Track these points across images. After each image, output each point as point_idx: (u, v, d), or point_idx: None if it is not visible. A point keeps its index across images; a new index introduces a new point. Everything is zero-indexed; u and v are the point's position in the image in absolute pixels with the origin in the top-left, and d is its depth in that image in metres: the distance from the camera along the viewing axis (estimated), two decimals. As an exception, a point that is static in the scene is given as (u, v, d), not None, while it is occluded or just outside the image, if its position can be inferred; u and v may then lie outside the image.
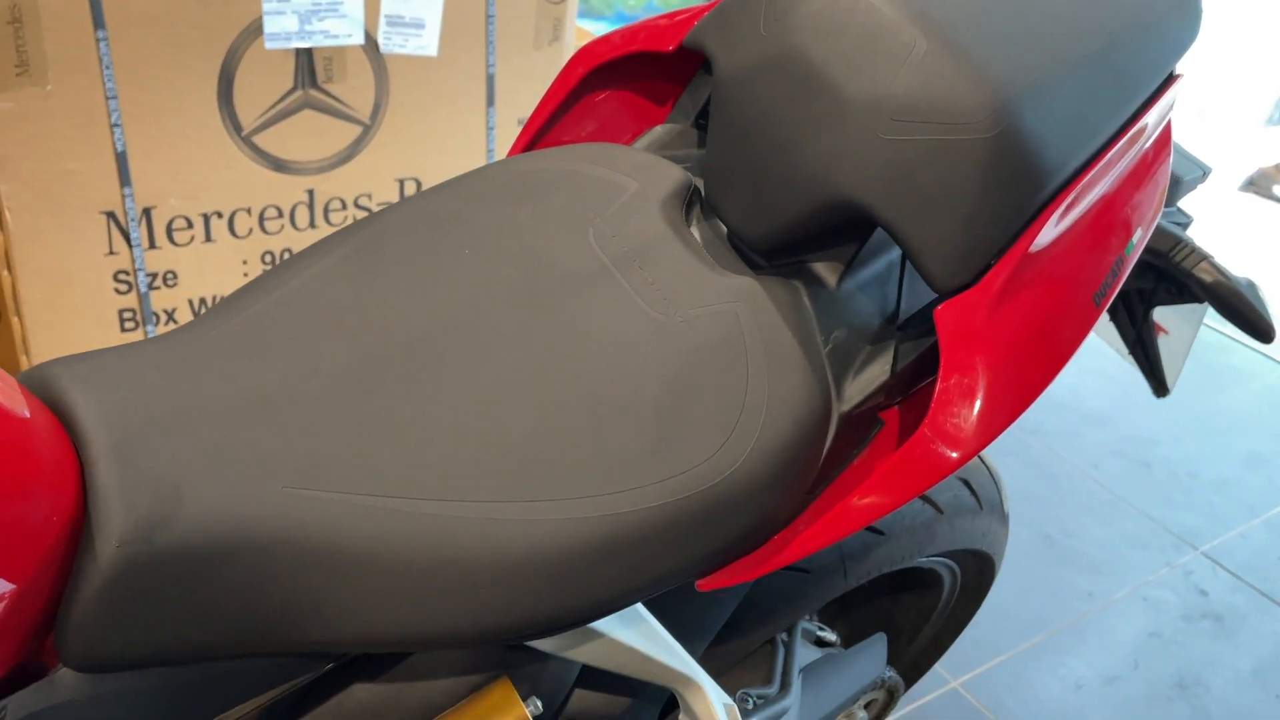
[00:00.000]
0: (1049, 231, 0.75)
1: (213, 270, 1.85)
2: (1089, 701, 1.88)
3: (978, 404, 0.71)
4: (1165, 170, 0.85)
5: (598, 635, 0.78)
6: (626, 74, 0.98)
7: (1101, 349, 2.77)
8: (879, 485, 0.72)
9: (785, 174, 0.78)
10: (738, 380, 0.73)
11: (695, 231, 0.85)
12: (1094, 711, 1.86)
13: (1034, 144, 0.72)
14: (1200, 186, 1.11)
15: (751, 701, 1.11)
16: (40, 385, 0.62)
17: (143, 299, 1.79)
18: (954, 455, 0.70)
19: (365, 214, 1.87)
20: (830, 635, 1.34)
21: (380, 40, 1.80)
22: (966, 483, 1.22)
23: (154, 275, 1.79)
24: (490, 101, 1.96)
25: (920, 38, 0.73)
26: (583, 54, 0.96)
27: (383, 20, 1.79)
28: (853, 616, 1.47)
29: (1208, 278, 0.99)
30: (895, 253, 0.87)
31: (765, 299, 0.78)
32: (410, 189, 1.96)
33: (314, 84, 1.78)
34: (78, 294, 1.74)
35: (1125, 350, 1.17)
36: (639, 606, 0.82)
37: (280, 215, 1.86)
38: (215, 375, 0.65)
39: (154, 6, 1.61)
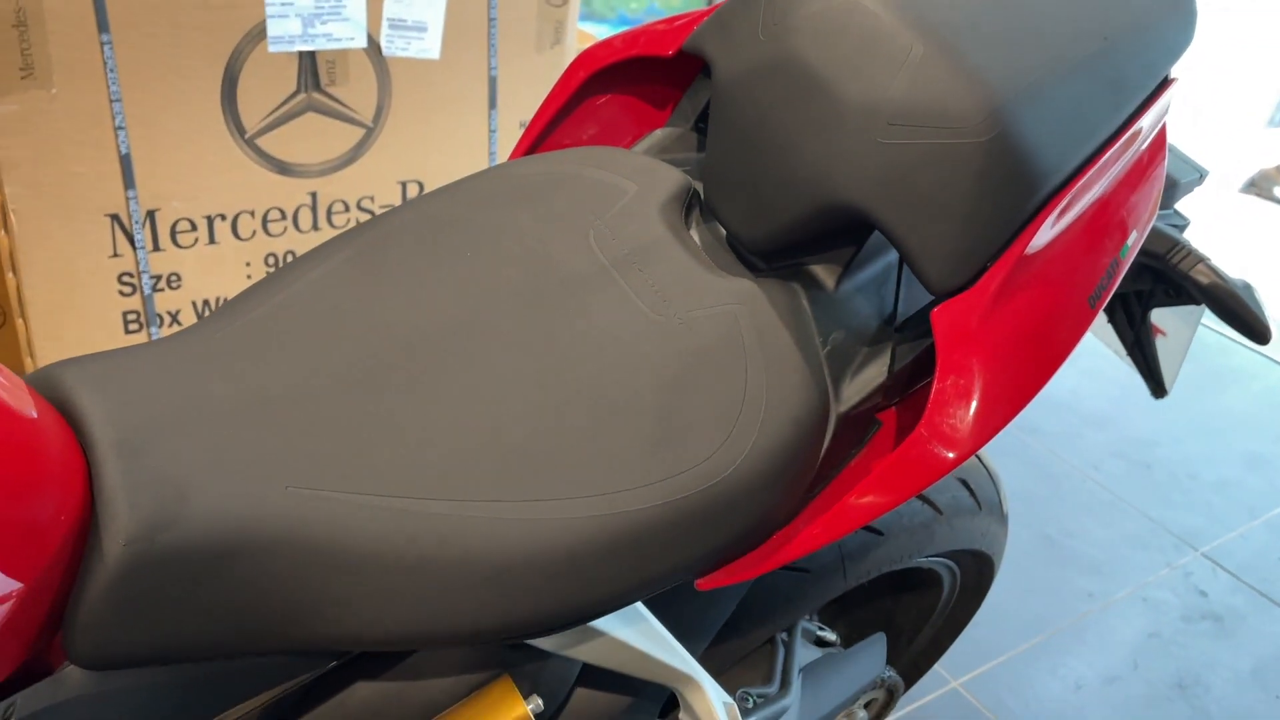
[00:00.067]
0: (1045, 234, 0.76)
1: (216, 272, 1.85)
2: (1089, 702, 1.89)
3: (974, 405, 0.71)
4: (1160, 173, 0.86)
5: (598, 634, 0.79)
6: (627, 78, 0.98)
7: (1101, 350, 2.78)
8: (877, 485, 0.73)
9: (783, 177, 0.79)
10: (736, 381, 0.74)
11: (694, 234, 0.86)
12: (1094, 712, 1.87)
13: (1029, 148, 0.73)
14: (1198, 189, 1.12)
15: (751, 700, 1.11)
16: (47, 386, 0.62)
17: (147, 301, 1.80)
18: (950, 455, 0.71)
19: (368, 216, 1.88)
20: (830, 635, 1.35)
21: (383, 43, 1.81)
22: (965, 483, 1.22)
23: (158, 277, 1.80)
24: (492, 104, 1.96)
25: (917, 42, 0.74)
26: (583, 58, 0.97)
27: (385, 23, 1.80)
28: (853, 616, 1.48)
29: (1205, 279, 0.99)
30: (893, 255, 0.88)
31: (764, 301, 0.79)
32: (412, 191, 1.97)
33: (317, 87, 1.79)
34: (82, 296, 1.75)
35: (1124, 352, 1.18)
36: (639, 605, 0.83)
37: (283, 217, 1.87)
38: (220, 376, 0.66)
39: (158, 10, 1.62)
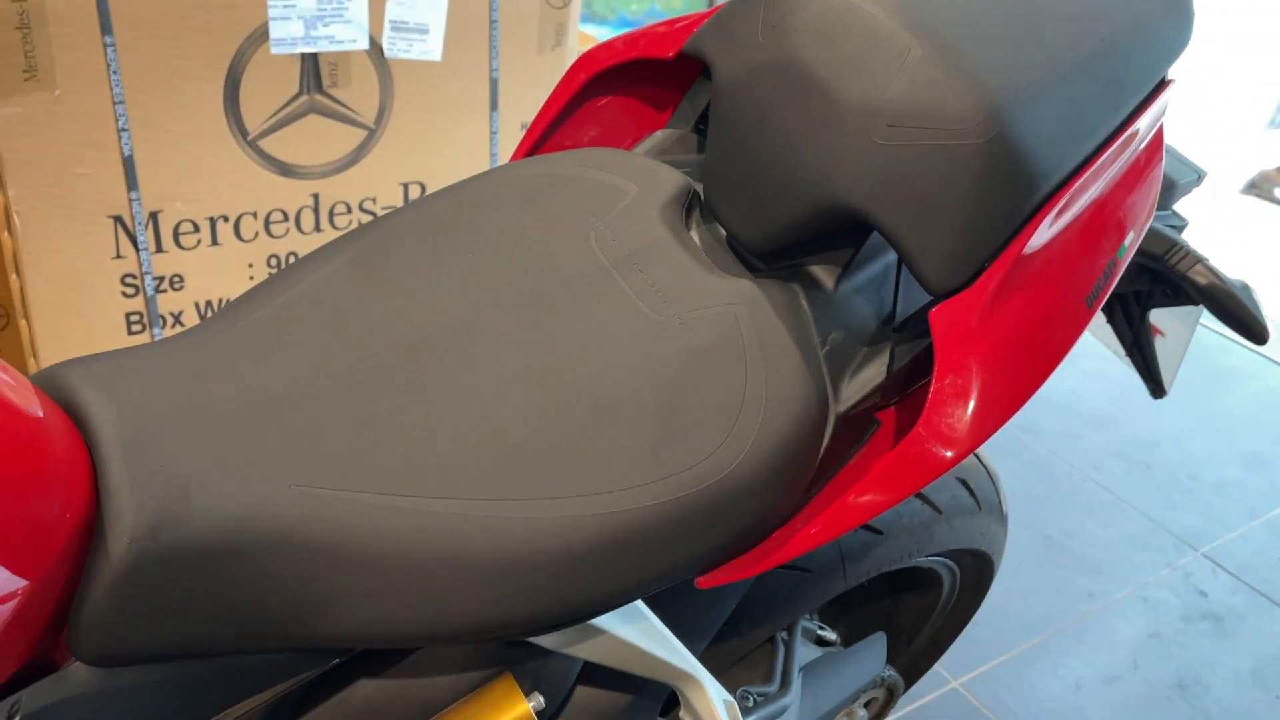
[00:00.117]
0: (1042, 235, 0.76)
1: (219, 274, 1.86)
2: (1089, 701, 1.89)
3: (971, 404, 0.72)
4: (1157, 174, 0.87)
5: (599, 632, 0.79)
6: (628, 80, 0.99)
7: (1101, 351, 2.78)
8: (875, 484, 0.74)
9: (783, 178, 0.79)
10: (736, 381, 0.74)
11: (695, 235, 0.86)
12: (1094, 711, 1.87)
13: (1027, 149, 0.73)
14: (1196, 190, 1.12)
15: (752, 699, 1.12)
16: (53, 386, 0.63)
17: (149, 302, 1.80)
18: (948, 454, 0.71)
19: (370, 218, 1.88)
20: (830, 634, 1.35)
21: (385, 45, 1.82)
22: (965, 483, 1.23)
23: (161, 279, 1.80)
24: (494, 106, 1.97)
25: (914, 44, 0.75)
26: (584, 60, 0.98)
27: (387, 25, 1.80)
28: (853, 616, 1.48)
29: (1203, 280, 1.00)
30: (892, 256, 0.88)
31: (763, 301, 0.79)
32: (414, 193, 1.97)
33: (319, 89, 1.80)
34: (85, 297, 1.75)
35: (1123, 352, 1.18)
36: (640, 604, 0.83)
37: (286, 219, 1.87)
38: (223, 376, 0.66)
39: (161, 13, 1.62)
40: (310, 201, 1.88)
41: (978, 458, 1.28)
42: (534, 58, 1.98)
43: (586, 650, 0.80)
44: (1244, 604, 2.14)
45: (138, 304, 1.80)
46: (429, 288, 0.76)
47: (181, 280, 1.83)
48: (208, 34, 1.67)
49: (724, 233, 0.87)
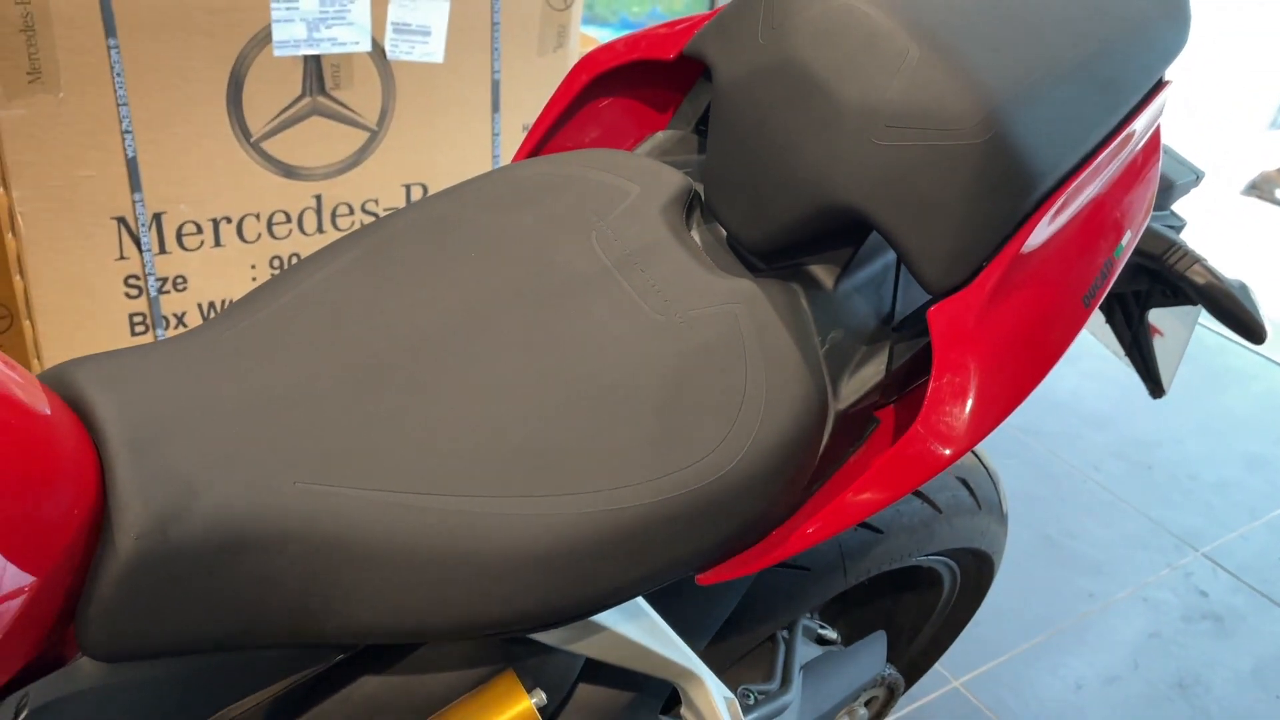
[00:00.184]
0: (1040, 234, 0.77)
1: (222, 275, 1.86)
2: (1089, 701, 1.89)
3: (969, 402, 0.72)
4: (1154, 174, 0.87)
5: (601, 629, 0.80)
6: (629, 81, 0.99)
7: (1101, 352, 2.79)
8: (874, 481, 0.74)
9: (782, 178, 0.80)
10: (736, 379, 0.75)
11: (695, 235, 0.87)
12: (1094, 711, 1.88)
13: (1024, 149, 0.74)
14: (1194, 190, 1.13)
15: (753, 697, 1.12)
16: (60, 384, 0.63)
17: (153, 303, 1.81)
18: (946, 452, 0.72)
19: (372, 219, 1.89)
20: (831, 633, 1.36)
21: (387, 47, 1.82)
22: (965, 482, 1.23)
23: (164, 280, 1.81)
24: (495, 107, 1.98)
25: (913, 45, 0.75)
26: (586, 62, 0.98)
27: (390, 27, 1.81)
28: (853, 615, 1.49)
29: (1200, 280, 1.00)
30: (891, 255, 0.89)
31: (764, 300, 0.80)
32: (416, 194, 1.98)
33: (322, 90, 1.81)
34: (89, 298, 1.76)
35: (1122, 352, 1.18)
36: (641, 601, 0.84)
37: (288, 220, 1.88)
38: (229, 375, 0.67)
39: (164, 15, 1.63)
40: (313, 203, 1.89)
41: (978, 457, 1.29)
42: (535, 59, 1.98)
43: (588, 647, 0.81)
44: (1244, 604, 2.15)
45: (141, 305, 1.81)
46: (432, 287, 0.76)
47: (184, 281, 1.83)
48: (211, 36, 1.68)
49: (724, 233, 0.88)
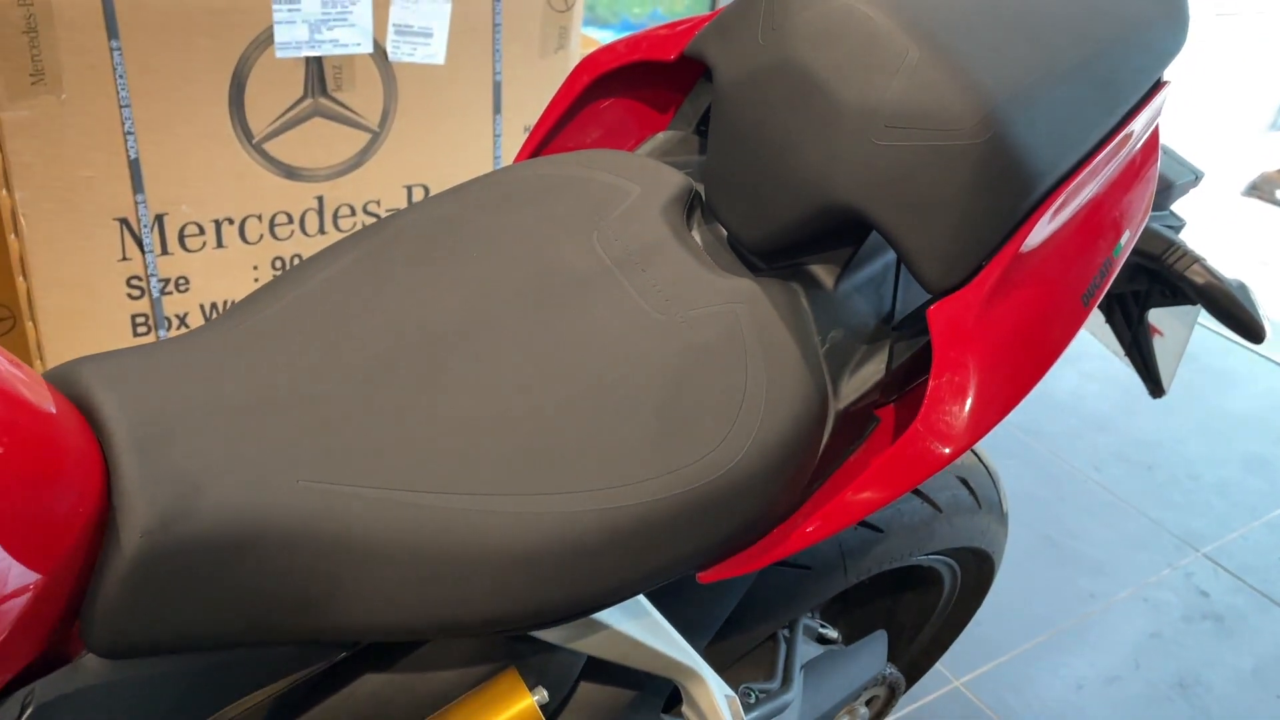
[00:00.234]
0: (1038, 234, 0.77)
1: (224, 276, 1.87)
2: (1090, 701, 1.90)
3: (969, 401, 0.73)
4: (1153, 174, 0.87)
5: (603, 627, 0.80)
6: (630, 82, 1.00)
7: (1102, 353, 2.79)
8: (874, 480, 0.75)
9: (783, 179, 0.80)
10: (737, 378, 0.75)
11: (696, 235, 0.87)
12: (1095, 711, 1.88)
13: (1022, 149, 0.74)
14: (1193, 190, 1.13)
15: (754, 696, 1.13)
16: (66, 383, 0.64)
17: (155, 304, 1.81)
18: (946, 450, 0.72)
19: (374, 220, 1.89)
20: (832, 632, 1.36)
21: (389, 49, 1.83)
22: (965, 481, 1.23)
23: (166, 281, 1.81)
24: (497, 109, 1.98)
25: (912, 46, 0.75)
26: (587, 63, 0.99)
27: (391, 29, 1.81)
28: (854, 614, 1.49)
29: (1200, 280, 1.00)
30: (891, 255, 0.89)
31: (764, 300, 0.80)
32: (418, 195, 1.98)
33: (324, 92, 1.81)
34: (91, 299, 1.76)
35: (1122, 352, 1.19)
36: (643, 599, 0.84)
37: (290, 221, 1.88)
38: (233, 373, 0.67)
39: (167, 17, 1.64)
40: (314, 204, 1.89)
41: (978, 457, 1.29)
42: (537, 61, 1.99)
43: (590, 645, 0.81)
44: (1245, 604, 2.15)
45: (143, 306, 1.81)
46: (434, 287, 0.77)
47: (187, 282, 1.84)
48: (213, 38, 1.68)
49: (725, 232, 0.88)
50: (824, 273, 0.86)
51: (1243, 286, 1.01)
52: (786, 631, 1.20)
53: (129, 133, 1.67)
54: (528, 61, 1.97)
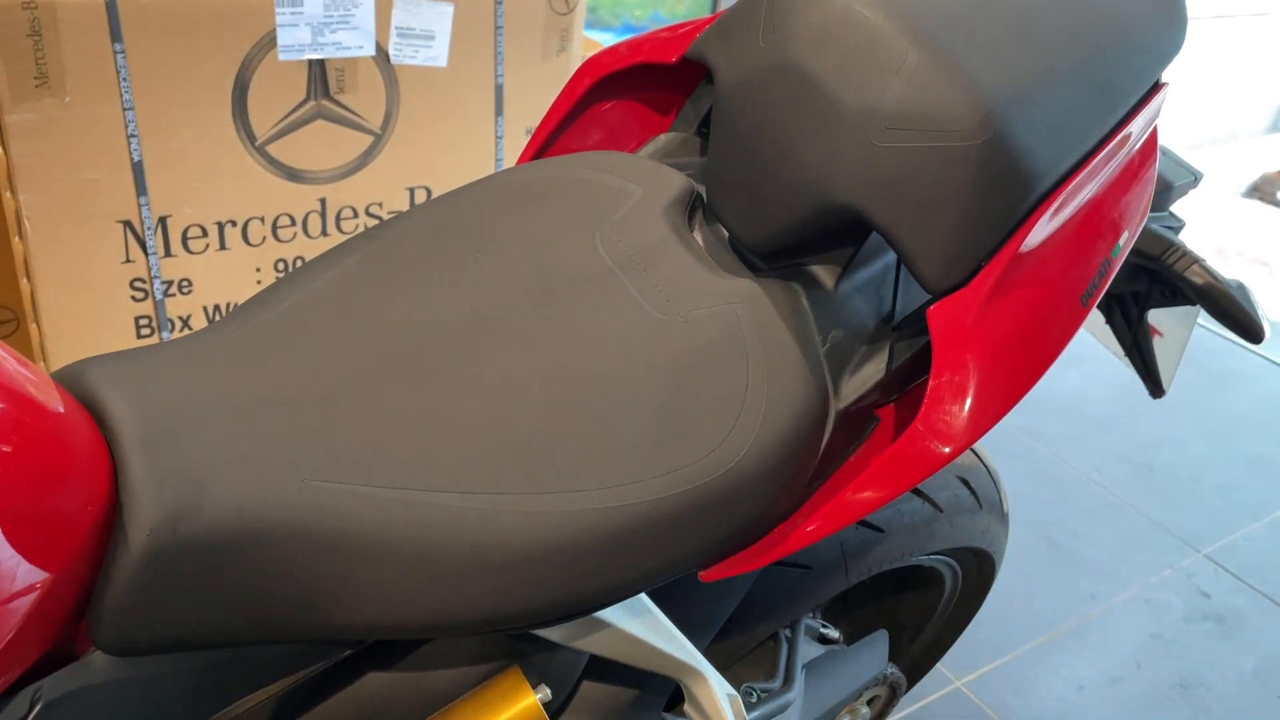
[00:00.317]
0: (1037, 234, 0.78)
1: (227, 278, 1.87)
2: (1091, 701, 1.90)
3: (968, 400, 0.73)
4: (1151, 175, 0.88)
5: (605, 625, 0.81)
6: (631, 84, 1.00)
7: (1103, 354, 2.79)
8: (874, 479, 0.75)
9: (783, 180, 0.81)
10: (738, 378, 0.76)
11: (697, 236, 0.88)
12: (1096, 711, 1.88)
13: (1021, 150, 0.75)
14: (1192, 191, 1.14)
15: (755, 695, 1.13)
16: (73, 383, 0.64)
17: (158, 306, 1.82)
18: (945, 450, 0.73)
19: (376, 222, 1.90)
20: (833, 632, 1.37)
21: (391, 51, 1.83)
22: (965, 481, 1.24)
23: (169, 283, 1.82)
24: (499, 111, 1.98)
25: (911, 49, 0.76)
26: (589, 65, 0.99)
27: (393, 32, 1.82)
28: (855, 614, 1.49)
29: (1199, 280, 1.01)
30: (891, 256, 0.90)
31: (765, 300, 0.81)
32: (420, 197, 1.99)
33: (326, 94, 1.81)
34: (95, 301, 1.77)
35: (1122, 352, 1.19)
36: (645, 599, 0.84)
37: (293, 223, 1.89)
38: (238, 373, 0.68)
39: (170, 20, 1.64)
40: (317, 206, 1.90)
41: (978, 457, 1.30)
42: (539, 63, 1.99)
43: (593, 644, 0.82)
44: (1246, 605, 2.15)
45: (146, 308, 1.82)
46: (437, 288, 0.77)
47: (190, 284, 1.84)
48: (216, 41, 1.69)
49: (726, 233, 0.89)
50: (824, 273, 0.86)
51: (1241, 287, 1.01)
52: (788, 631, 1.20)
53: (132, 135, 1.68)
54: (530, 64, 1.98)
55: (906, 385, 0.87)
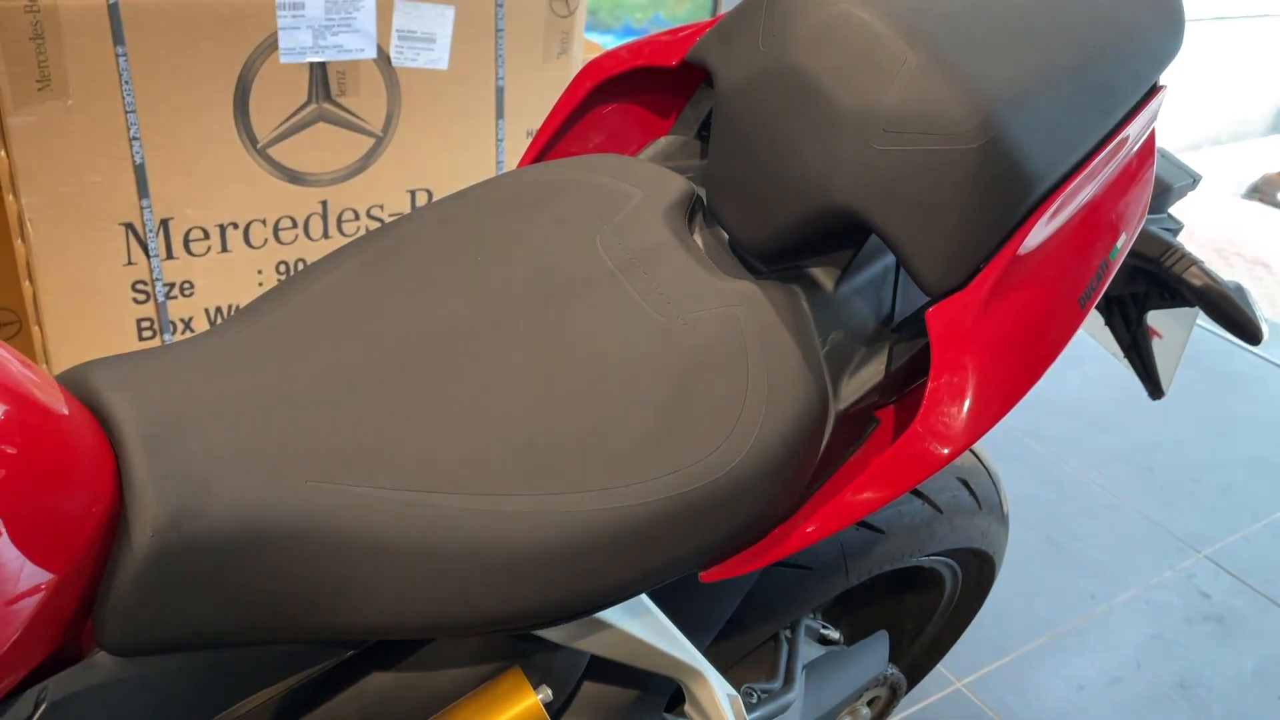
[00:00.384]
0: (1035, 237, 0.78)
1: (228, 280, 1.88)
2: (1092, 702, 1.90)
3: (967, 402, 0.74)
4: (1149, 178, 0.88)
5: (606, 626, 0.81)
6: (632, 88, 1.01)
7: (1104, 356, 2.80)
8: (874, 480, 0.75)
9: (783, 183, 0.81)
10: (738, 379, 0.76)
11: (698, 238, 0.88)
12: (1097, 712, 1.88)
13: (1019, 154, 0.75)
14: (1191, 193, 1.14)
15: (756, 696, 1.13)
16: (77, 385, 0.65)
17: (160, 308, 1.82)
18: (944, 451, 0.73)
19: (378, 224, 1.90)
20: (834, 633, 1.37)
21: (392, 54, 1.84)
22: (965, 482, 1.24)
23: (171, 285, 1.82)
24: (500, 114, 1.99)
25: (910, 52, 0.76)
26: (589, 69, 1.00)
27: (395, 34, 1.82)
28: (856, 615, 1.50)
29: (1197, 282, 1.01)
30: (890, 258, 0.90)
31: (765, 302, 0.81)
32: (421, 200, 1.99)
33: (328, 97, 1.82)
34: (97, 303, 1.77)
35: (1121, 354, 1.20)
36: (645, 599, 0.85)
37: (294, 226, 1.89)
38: (241, 376, 0.68)
39: (172, 22, 1.65)
40: (319, 208, 1.90)
41: (978, 458, 1.30)
42: (539, 66, 1.99)
43: (594, 644, 0.82)
44: (1246, 605, 2.15)
45: (148, 310, 1.82)
46: (439, 290, 0.78)
47: (191, 286, 1.85)
48: (218, 43, 1.69)
49: (726, 236, 0.89)
50: (824, 275, 0.87)
51: (1240, 288, 1.01)
52: (788, 632, 1.20)
53: (134, 138, 1.68)
54: (530, 66, 1.98)
55: (906, 387, 0.88)
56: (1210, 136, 4.49)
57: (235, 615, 0.62)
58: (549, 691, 0.81)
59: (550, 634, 0.80)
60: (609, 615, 0.81)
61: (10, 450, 0.53)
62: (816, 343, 0.83)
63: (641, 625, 0.83)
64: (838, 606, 1.50)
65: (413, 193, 1.98)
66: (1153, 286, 1.10)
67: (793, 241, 0.83)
